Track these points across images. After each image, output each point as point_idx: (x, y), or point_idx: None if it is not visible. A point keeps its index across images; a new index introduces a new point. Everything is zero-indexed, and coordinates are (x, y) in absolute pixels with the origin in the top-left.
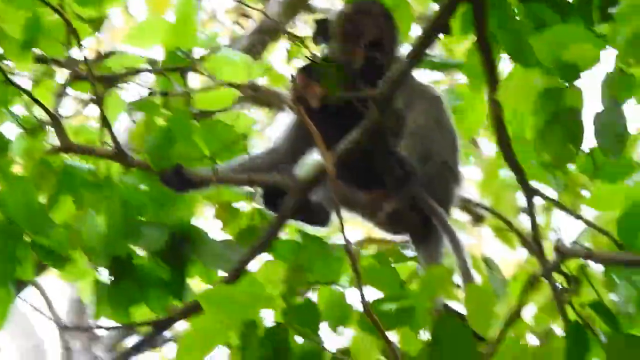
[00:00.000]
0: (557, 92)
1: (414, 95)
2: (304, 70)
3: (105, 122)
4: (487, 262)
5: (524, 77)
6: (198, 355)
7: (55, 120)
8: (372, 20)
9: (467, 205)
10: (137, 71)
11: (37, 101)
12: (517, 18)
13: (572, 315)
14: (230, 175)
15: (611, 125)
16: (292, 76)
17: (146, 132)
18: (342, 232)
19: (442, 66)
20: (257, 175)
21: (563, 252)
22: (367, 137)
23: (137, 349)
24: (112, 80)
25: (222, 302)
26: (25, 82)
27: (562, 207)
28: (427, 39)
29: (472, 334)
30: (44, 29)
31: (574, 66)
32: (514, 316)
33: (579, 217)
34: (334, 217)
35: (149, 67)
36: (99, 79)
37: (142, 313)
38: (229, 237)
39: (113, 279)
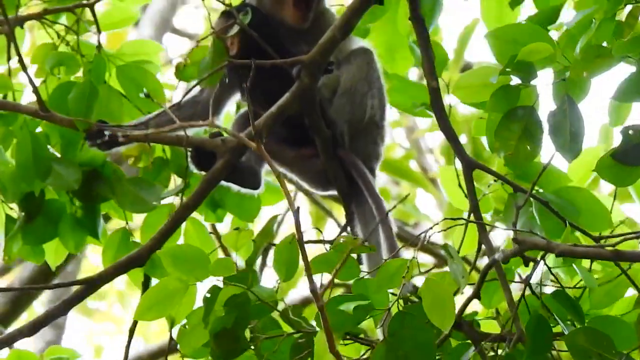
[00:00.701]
0: (513, 90)
1: (343, 52)
2: (225, 15)
3: (28, 76)
4: (447, 248)
5: (479, 73)
6: (155, 315)
7: None
8: None
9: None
10: (45, 11)
11: None
12: None
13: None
14: (160, 135)
15: (565, 125)
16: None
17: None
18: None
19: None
20: (187, 138)
21: (522, 243)
22: (298, 102)
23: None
24: (22, 21)
25: (184, 260)
26: None
27: (508, 181)
28: (360, 8)
29: (428, 327)
30: None
31: (530, 64)
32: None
33: (525, 191)
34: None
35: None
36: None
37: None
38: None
39: (25, 215)
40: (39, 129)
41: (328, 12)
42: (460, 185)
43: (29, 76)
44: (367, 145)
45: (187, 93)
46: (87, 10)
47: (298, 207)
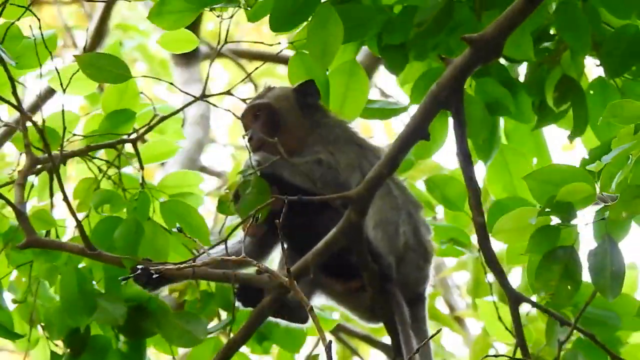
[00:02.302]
0: (553, 231)
1: None
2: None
3: (72, 212)
4: None
5: (519, 215)
6: None
7: (21, 215)
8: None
9: None
10: (88, 148)
11: (2, 196)
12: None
13: None
14: (206, 271)
15: (606, 264)
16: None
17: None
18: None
19: (391, 112)
20: (234, 274)
21: None
22: (345, 237)
23: None
24: (66, 157)
25: None
26: None
27: (552, 314)
28: (406, 144)
29: None
30: None
31: (569, 205)
32: None
33: (569, 324)
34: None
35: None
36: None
37: None
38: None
39: (70, 352)
40: (82, 265)
41: (325, 126)
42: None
43: (74, 215)
44: (411, 273)
45: (232, 232)
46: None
47: (330, 341)
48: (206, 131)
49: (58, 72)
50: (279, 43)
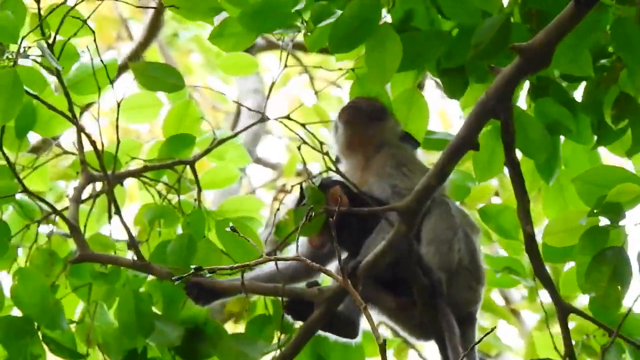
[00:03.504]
0: (602, 232)
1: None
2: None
3: (126, 228)
4: None
5: (568, 218)
6: None
7: (75, 231)
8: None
9: None
10: (145, 168)
11: (55, 210)
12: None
13: None
14: (257, 285)
15: None
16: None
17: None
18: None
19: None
20: (284, 288)
21: None
22: (394, 249)
23: None
24: (122, 177)
25: None
26: None
27: (599, 324)
28: (454, 155)
29: None
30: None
31: (617, 206)
32: None
33: (611, 331)
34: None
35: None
36: (109, 176)
37: None
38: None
39: None
40: (142, 289)
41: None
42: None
43: (126, 226)
44: (462, 292)
45: (282, 243)
46: (189, 169)
47: (384, 340)
48: (262, 123)
49: (118, 105)
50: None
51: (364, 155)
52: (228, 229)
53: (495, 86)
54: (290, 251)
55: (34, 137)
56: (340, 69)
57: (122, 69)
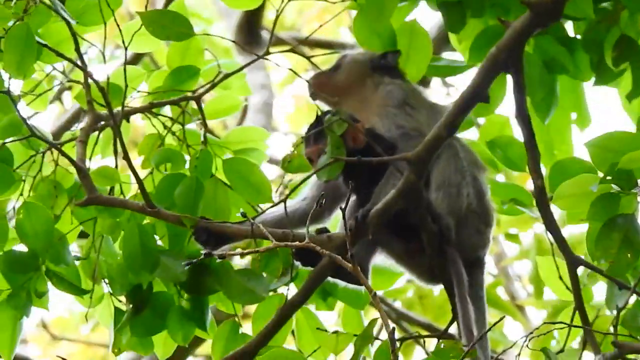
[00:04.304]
0: (613, 198)
1: None
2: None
3: (133, 170)
4: (546, 352)
5: (580, 182)
6: None
7: (82, 172)
8: None
9: None
10: (151, 105)
11: (62, 152)
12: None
13: None
14: (266, 230)
15: None
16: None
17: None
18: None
19: (451, 70)
20: (293, 234)
21: (621, 347)
22: (404, 198)
23: None
24: (128, 114)
25: None
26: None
27: (610, 278)
28: (465, 107)
29: None
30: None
31: (630, 173)
32: None
33: (628, 288)
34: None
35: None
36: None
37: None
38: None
39: (133, 308)
40: (146, 221)
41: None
42: (561, 278)
43: (134, 172)
44: (471, 236)
45: (297, 186)
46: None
47: (393, 327)
48: (269, 119)
49: (120, 30)
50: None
51: (358, 97)
52: (239, 215)
53: (506, 40)
54: (300, 194)
55: None
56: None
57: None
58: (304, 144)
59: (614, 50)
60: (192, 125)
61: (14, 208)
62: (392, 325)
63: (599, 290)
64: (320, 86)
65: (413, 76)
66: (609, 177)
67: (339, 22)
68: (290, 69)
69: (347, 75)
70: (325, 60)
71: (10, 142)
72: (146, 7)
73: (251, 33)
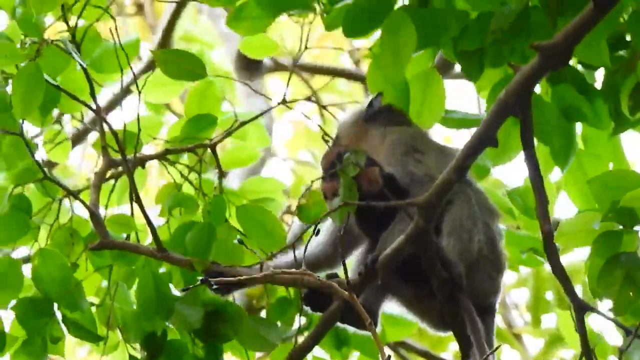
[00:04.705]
0: (615, 236)
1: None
2: (329, 175)
3: (146, 216)
4: None
5: (582, 220)
6: None
7: (95, 217)
8: None
9: None
10: (166, 151)
11: (76, 196)
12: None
13: None
14: (277, 275)
15: None
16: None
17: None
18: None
19: (466, 122)
20: (304, 279)
21: None
22: (414, 243)
23: None
24: (143, 161)
25: None
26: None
27: (617, 323)
28: (474, 150)
29: None
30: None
31: (632, 210)
32: None
33: (630, 332)
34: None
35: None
36: (130, 160)
37: None
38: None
39: (147, 355)
40: (162, 269)
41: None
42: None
43: (146, 215)
44: (482, 282)
45: (304, 231)
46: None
47: (389, 356)
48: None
49: (136, 80)
50: (341, 49)
51: (368, 149)
52: (235, 242)
53: (515, 84)
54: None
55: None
56: (358, 49)
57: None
58: (322, 179)
59: (630, 99)
60: (209, 175)
61: (29, 255)
62: (388, 353)
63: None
64: (331, 165)
65: (427, 123)
66: (610, 215)
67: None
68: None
69: (348, 139)
70: (326, 88)
71: (22, 185)
72: (159, 46)
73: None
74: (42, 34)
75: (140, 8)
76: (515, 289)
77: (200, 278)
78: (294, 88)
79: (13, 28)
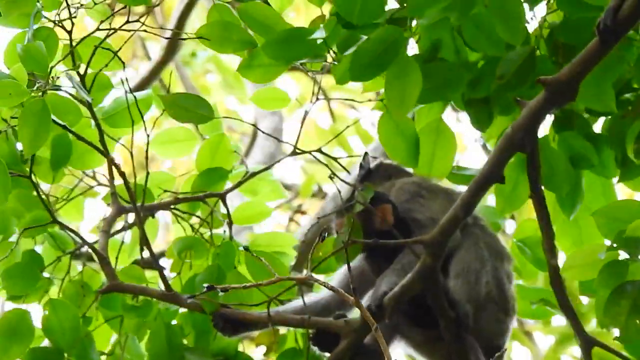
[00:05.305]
0: (621, 266)
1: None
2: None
3: (154, 260)
4: None
5: (587, 251)
6: None
7: (103, 261)
8: None
9: None
10: (177, 200)
11: (85, 241)
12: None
13: None
14: (285, 317)
15: None
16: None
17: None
18: None
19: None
20: (310, 319)
21: None
22: (421, 282)
23: None
24: (152, 209)
25: None
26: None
27: (622, 357)
28: (480, 189)
29: None
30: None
31: (637, 240)
32: None
33: None
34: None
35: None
36: (139, 208)
37: None
38: None
39: None
40: (174, 322)
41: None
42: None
43: (155, 259)
44: (489, 324)
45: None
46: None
47: None
48: (278, 144)
49: (148, 136)
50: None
51: None
52: (241, 248)
53: (522, 120)
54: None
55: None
56: (369, 100)
57: (140, 87)
58: (335, 215)
59: (635, 143)
60: (220, 231)
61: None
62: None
63: None
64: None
65: (437, 175)
66: (616, 245)
67: None
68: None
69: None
70: (333, 86)
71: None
72: (168, 90)
73: None
74: (47, 69)
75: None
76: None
77: (206, 285)
78: (302, 87)
79: (19, 70)
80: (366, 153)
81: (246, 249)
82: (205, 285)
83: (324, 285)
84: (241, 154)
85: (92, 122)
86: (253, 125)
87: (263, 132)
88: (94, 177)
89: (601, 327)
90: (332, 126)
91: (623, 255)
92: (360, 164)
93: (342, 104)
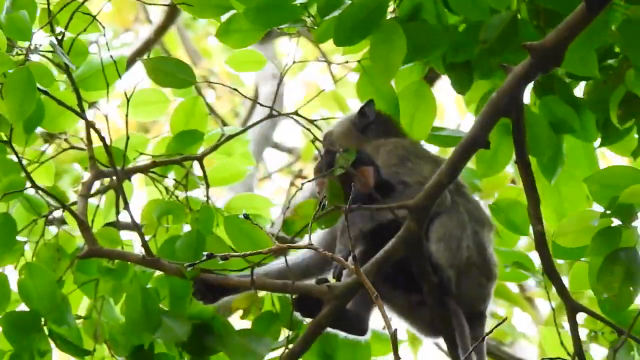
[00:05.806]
0: (614, 233)
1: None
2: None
3: (135, 224)
4: None
5: (580, 219)
6: None
7: (83, 225)
8: None
9: None
10: (154, 163)
11: (64, 205)
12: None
13: None
14: (266, 281)
15: None
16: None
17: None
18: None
19: (453, 140)
20: (293, 284)
21: None
22: (404, 247)
23: None
24: (131, 173)
25: None
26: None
27: (609, 324)
28: (465, 153)
29: None
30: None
31: (630, 207)
32: None
33: (622, 332)
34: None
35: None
36: (118, 172)
37: None
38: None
39: None
40: (149, 285)
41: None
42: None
43: (135, 223)
44: (471, 289)
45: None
46: (196, 164)
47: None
48: (279, 108)
49: (128, 101)
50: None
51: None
52: (241, 216)
53: (507, 85)
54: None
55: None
56: (346, 62)
57: (142, 51)
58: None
59: (619, 108)
60: (194, 193)
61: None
62: (395, 327)
63: None
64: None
65: (418, 137)
66: (609, 212)
67: None
68: None
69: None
70: (334, 50)
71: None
72: (148, 55)
73: None
74: (30, 38)
75: None
76: (527, 252)
77: (206, 253)
78: (305, 51)
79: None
80: (371, 100)
81: (246, 216)
82: (205, 253)
83: (316, 250)
84: (215, 116)
85: (62, 85)
86: (235, 89)
87: (245, 97)
88: (66, 140)
89: (595, 294)
90: (333, 91)
91: (616, 222)
92: (364, 111)
93: (344, 67)
